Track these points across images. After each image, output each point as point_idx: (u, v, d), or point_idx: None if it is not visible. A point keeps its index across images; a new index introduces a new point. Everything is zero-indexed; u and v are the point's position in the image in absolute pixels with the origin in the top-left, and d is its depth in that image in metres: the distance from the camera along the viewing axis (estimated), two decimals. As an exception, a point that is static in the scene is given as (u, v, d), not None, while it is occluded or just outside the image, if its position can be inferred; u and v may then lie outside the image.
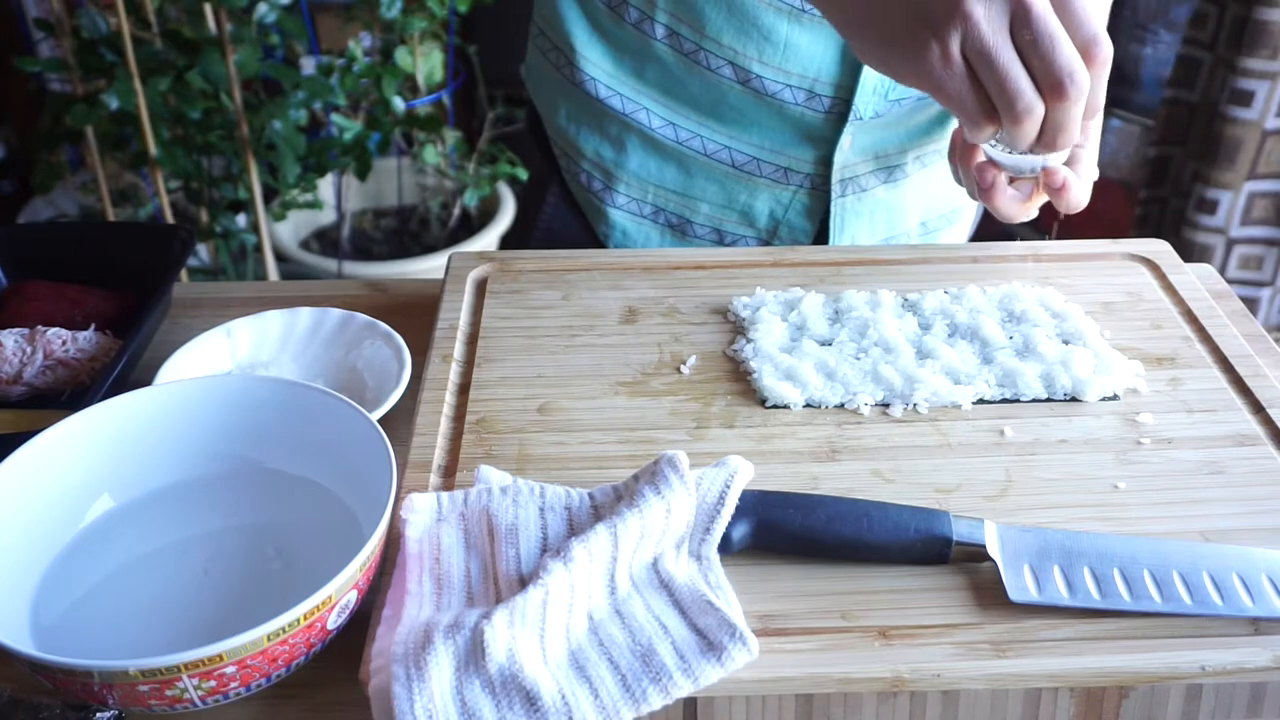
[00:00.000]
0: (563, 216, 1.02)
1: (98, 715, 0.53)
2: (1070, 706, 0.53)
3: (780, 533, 0.57)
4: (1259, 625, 0.54)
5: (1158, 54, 2.34)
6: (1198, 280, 0.79)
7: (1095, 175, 0.75)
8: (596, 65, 0.92)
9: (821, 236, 0.95)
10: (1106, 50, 0.63)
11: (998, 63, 0.61)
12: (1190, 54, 2.04)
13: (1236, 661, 0.52)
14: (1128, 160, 2.48)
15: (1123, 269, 0.81)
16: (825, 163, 0.90)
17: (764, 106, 0.88)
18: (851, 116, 0.87)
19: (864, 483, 0.63)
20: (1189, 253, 2.05)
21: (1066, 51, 0.61)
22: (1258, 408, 0.68)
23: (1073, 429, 0.66)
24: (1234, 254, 2.08)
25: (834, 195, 0.92)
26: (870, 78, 0.85)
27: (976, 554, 0.57)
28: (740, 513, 0.57)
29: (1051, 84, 0.62)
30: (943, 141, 0.94)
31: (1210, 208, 2.04)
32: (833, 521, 0.57)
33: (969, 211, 1.04)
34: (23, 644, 0.52)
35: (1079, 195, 0.73)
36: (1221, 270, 2.04)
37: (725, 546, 0.57)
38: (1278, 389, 0.69)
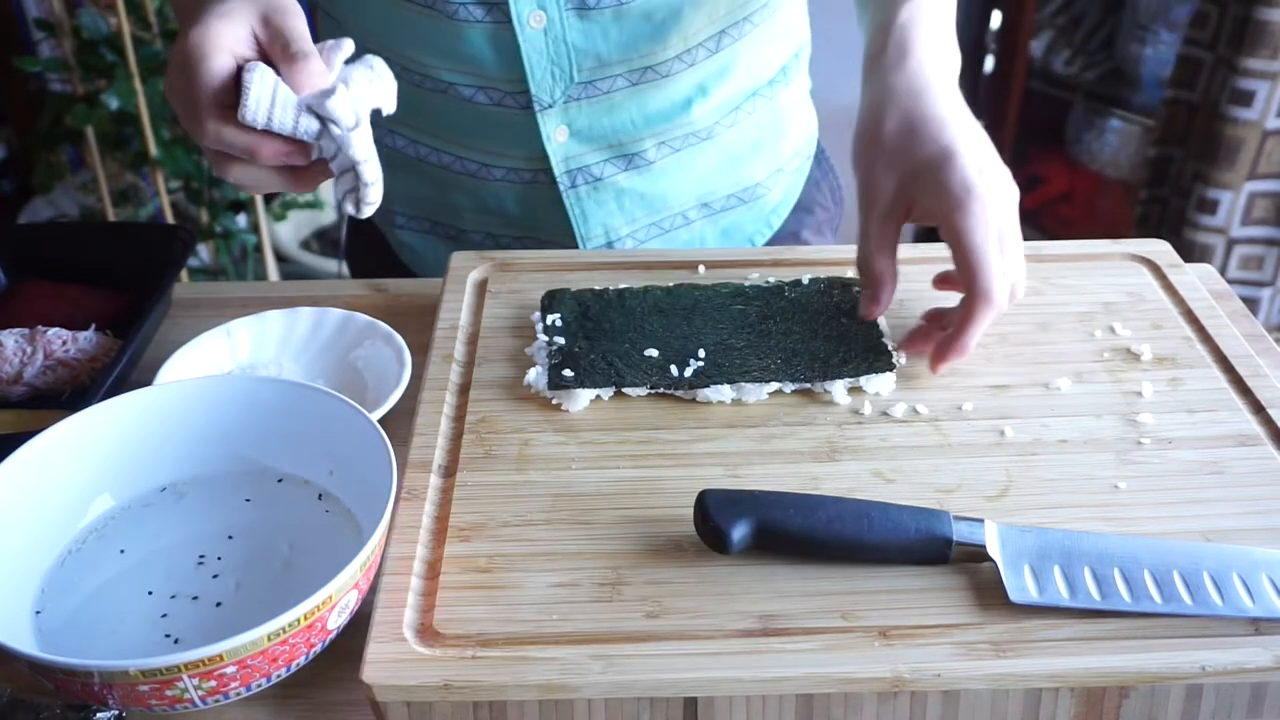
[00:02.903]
0: (371, 244, 1.04)
1: (98, 715, 0.53)
2: (1070, 706, 0.53)
3: (780, 533, 0.57)
4: (1259, 625, 0.54)
5: (1158, 54, 2.34)
6: (1198, 280, 0.79)
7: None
8: None
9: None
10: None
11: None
12: (1191, 54, 2.04)
13: (1237, 662, 0.52)
14: (1128, 160, 2.48)
15: (1123, 269, 0.81)
16: (544, 156, 0.88)
17: (468, 112, 0.87)
18: (536, 106, 0.85)
19: (864, 483, 0.63)
20: (1189, 253, 2.05)
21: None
22: (1258, 408, 0.68)
23: (1073, 429, 0.66)
24: (1234, 254, 2.08)
25: (563, 187, 0.90)
26: (539, 61, 0.83)
27: (976, 554, 0.57)
28: (740, 513, 0.57)
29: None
30: (694, 126, 0.92)
31: (1210, 208, 2.04)
32: (833, 522, 0.57)
33: (775, 190, 1.00)
34: (24, 644, 0.52)
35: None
36: (1222, 270, 2.04)
37: (726, 547, 0.57)
38: (1278, 389, 0.69)
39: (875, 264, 0.71)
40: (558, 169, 0.89)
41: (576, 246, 0.93)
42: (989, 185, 0.67)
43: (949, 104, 0.70)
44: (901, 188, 0.69)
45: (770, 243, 1.01)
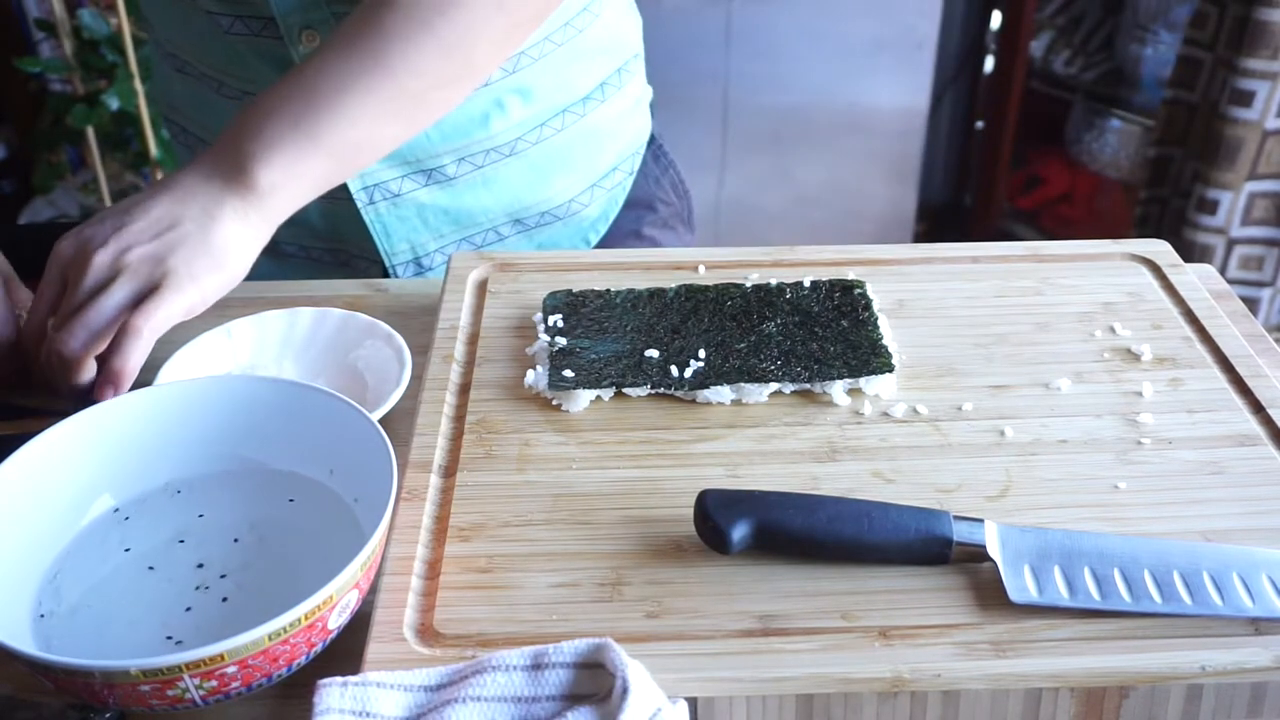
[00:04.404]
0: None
1: (98, 715, 0.53)
2: (1070, 706, 0.53)
3: (780, 533, 0.57)
4: (1259, 625, 0.54)
5: (1158, 54, 2.34)
6: (1198, 280, 0.79)
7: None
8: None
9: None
10: None
11: None
12: (1190, 54, 2.04)
13: (1237, 662, 0.52)
14: (1128, 160, 2.48)
15: (1123, 269, 0.81)
16: None
17: None
18: None
19: (864, 483, 0.63)
20: (1189, 253, 2.05)
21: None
22: (1258, 408, 0.68)
23: (1073, 429, 0.66)
24: (1234, 254, 2.08)
25: (360, 203, 0.89)
26: None
27: (976, 554, 0.57)
28: (740, 513, 0.57)
29: None
30: (495, 141, 0.91)
31: (1210, 208, 2.04)
32: (833, 522, 0.57)
33: (592, 206, 0.99)
34: (23, 644, 0.52)
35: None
36: (1222, 270, 2.04)
37: (726, 547, 0.57)
38: (1278, 389, 0.69)
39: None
40: (353, 185, 0.89)
41: (383, 263, 0.93)
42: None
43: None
44: None
45: (605, 244, 1.01)
